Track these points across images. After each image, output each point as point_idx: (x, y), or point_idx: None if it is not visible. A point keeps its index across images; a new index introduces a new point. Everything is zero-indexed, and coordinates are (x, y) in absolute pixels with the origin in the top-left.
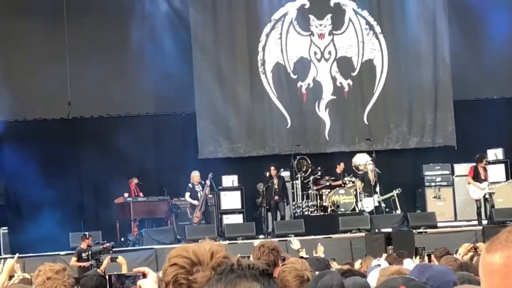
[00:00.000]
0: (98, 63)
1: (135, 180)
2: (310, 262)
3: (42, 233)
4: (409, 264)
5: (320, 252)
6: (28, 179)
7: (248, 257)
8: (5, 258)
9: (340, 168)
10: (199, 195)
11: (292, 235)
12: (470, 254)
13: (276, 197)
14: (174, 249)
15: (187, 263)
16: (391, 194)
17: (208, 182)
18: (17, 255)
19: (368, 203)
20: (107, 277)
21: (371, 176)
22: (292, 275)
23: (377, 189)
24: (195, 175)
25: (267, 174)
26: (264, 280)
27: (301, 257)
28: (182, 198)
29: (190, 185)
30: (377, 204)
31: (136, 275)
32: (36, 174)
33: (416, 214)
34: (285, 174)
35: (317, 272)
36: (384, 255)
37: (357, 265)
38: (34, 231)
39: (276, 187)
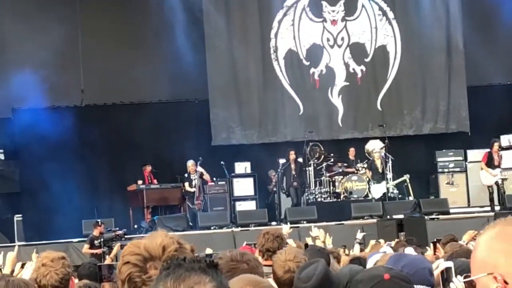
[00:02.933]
0: (111, 50)
1: (149, 168)
2: (311, 253)
3: (55, 220)
4: (410, 251)
5: (321, 237)
6: (41, 166)
7: (255, 244)
8: (15, 246)
9: (351, 154)
10: (193, 183)
11: (304, 222)
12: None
13: (295, 183)
14: (127, 245)
15: (140, 260)
16: (400, 180)
17: (199, 168)
18: (16, 247)
19: (377, 191)
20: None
21: (378, 163)
22: (276, 265)
23: (389, 176)
24: (190, 164)
25: (282, 160)
26: (212, 272)
27: (306, 245)
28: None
29: (186, 174)
30: (385, 190)
31: None
32: (49, 161)
33: (429, 201)
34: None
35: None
36: (394, 241)
37: (367, 250)
38: (47, 218)
39: (293, 172)
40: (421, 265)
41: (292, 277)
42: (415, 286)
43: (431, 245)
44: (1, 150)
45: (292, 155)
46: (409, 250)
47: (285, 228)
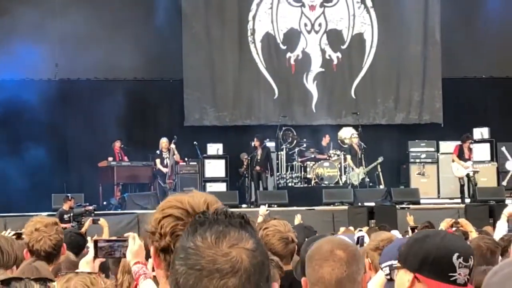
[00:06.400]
0: (85, 26)
1: (118, 144)
2: (298, 230)
3: (24, 193)
4: (396, 234)
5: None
6: (10, 138)
7: None
8: None
9: (325, 140)
10: (165, 162)
11: (275, 206)
12: (453, 229)
13: (258, 168)
14: (166, 199)
15: (183, 214)
16: (375, 164)
17: (172, 146)
18: None
19: (355, 177)
20: (93, 242)
21: (356, 148)
22: (276, 237)
23: (363, 162)
24: (163, 142)
25: (253, 144)
26: (250, 228)
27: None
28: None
29: (158, 151)
30: (362, 176)
31: (124, 239)
32: (18, 134)
33: (400, 190)
34: (270, 144)
35: (306, 239)
36: (366, 228)
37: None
38: (16, 191)
39: (258, 157)
40: None
41: (294, 248)
42: None
43: (410, 231)
44: None
45: (256, 142)
46: (395, 232)
47: (262, 209)
